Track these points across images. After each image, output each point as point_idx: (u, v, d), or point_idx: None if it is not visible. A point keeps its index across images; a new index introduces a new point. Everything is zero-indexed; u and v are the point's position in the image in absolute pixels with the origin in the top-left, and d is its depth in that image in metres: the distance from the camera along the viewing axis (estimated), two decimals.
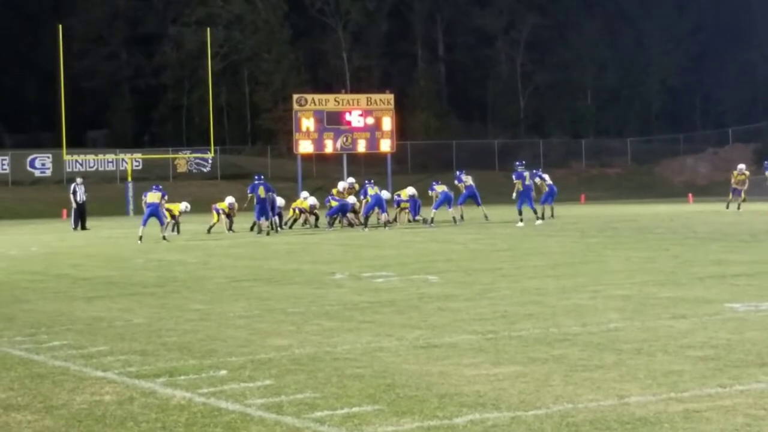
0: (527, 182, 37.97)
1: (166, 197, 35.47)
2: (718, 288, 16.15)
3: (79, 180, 46.25)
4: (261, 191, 36.57)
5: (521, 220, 37.21)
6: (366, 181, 40.37)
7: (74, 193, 44.77)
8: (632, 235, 30.31)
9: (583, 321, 13.02)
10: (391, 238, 32.88)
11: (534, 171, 40.84)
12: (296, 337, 12.40)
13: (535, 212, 37.96)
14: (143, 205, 36.08)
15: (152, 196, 34.99)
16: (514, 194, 37.99)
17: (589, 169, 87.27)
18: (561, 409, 8.36)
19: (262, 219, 36.87)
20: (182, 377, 10.13)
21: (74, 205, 44.84)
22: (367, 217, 38.64)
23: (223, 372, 10.33)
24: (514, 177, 38.37)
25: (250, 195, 37.17)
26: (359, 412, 8.45)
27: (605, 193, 75.65)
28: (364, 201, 39.43)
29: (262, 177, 38.45)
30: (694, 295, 15.30)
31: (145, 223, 34.74)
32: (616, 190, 78.28)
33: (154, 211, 34.52)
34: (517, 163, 39.69)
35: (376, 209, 38.87)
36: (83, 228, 43.93)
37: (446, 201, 39.72)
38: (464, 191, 41.06)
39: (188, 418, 8.49)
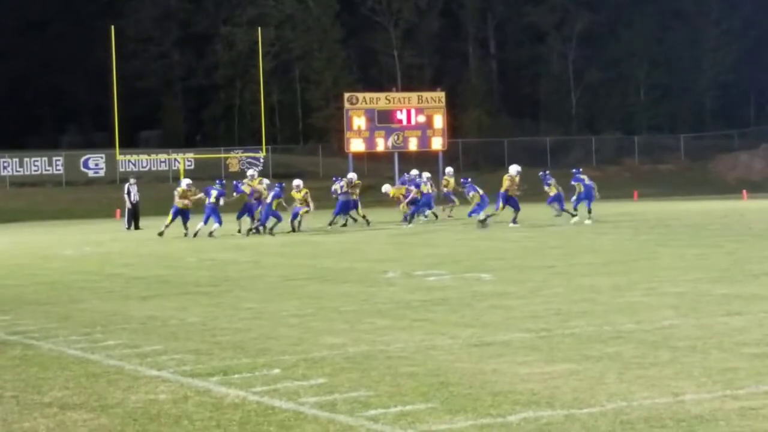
0: (585, 182, 37.38)
1: (222, 198, 36.06)
2: None
3: (132, 180, 46.43)
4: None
5: (581, 216, 36.79)
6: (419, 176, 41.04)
7: (128, 193, 44.94)
8: (686, 232, 30.15)
9: (637, 318, 12.97)
10: (443, 236, 32.86)
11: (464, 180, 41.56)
12: (349, 336, 12.43)
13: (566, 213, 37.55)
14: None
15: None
16: (574, 196, 37.41)
17: (642, 165, 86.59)
18: (615, 407, 8.33)
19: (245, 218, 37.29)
20: (236, 376, 10.18)
21: (128, 205, 44.99)
22: (413, 216, 39.25)
23: (277, 370, 10.37)
24: (573, 181, 37.79)
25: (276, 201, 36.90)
26: (413, 410, 8.46)
27: (658, 189, 75.06)
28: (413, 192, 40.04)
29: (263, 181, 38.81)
30: (749, 292, 15.19)
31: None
32: (669, 186, 77.62)
33: (211, 212, 35.33)
34: (574, 170, 38.91)
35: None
36: (136, 228, 44.14)
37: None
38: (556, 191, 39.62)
39: (242, 417, 8.54)
